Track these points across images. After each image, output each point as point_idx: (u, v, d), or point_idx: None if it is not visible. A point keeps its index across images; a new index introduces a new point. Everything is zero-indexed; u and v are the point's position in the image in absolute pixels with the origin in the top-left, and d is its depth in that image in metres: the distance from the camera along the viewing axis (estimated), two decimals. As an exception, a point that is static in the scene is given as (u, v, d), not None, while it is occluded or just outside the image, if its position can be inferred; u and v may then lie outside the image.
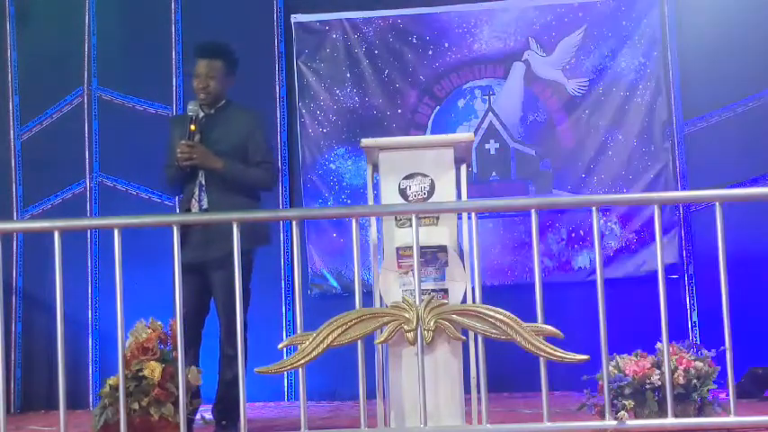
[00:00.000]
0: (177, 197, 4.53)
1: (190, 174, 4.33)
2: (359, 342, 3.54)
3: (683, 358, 3.63)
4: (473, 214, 3.63)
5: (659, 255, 3.63)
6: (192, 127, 4.29)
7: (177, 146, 4.30)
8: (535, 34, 6.56)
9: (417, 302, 3.52)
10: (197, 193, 4.34)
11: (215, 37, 6.29)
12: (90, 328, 6.39)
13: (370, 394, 3.66)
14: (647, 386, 3.58)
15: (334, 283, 6.49)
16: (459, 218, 3.88)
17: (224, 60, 4.43)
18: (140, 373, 3.73)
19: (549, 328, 3.49)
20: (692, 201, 5.92)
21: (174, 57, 6.64)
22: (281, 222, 6.13)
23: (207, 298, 4.36)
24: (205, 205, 4.32)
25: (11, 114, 6.71)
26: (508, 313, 3.50)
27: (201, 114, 4.38)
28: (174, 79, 6.63)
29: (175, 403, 3.66)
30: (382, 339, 3.53)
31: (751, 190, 5.28)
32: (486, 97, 6.58)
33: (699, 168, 6.30)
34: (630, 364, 3.65)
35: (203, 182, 4.33)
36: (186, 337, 3.69)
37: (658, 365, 3.60)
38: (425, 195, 3.72)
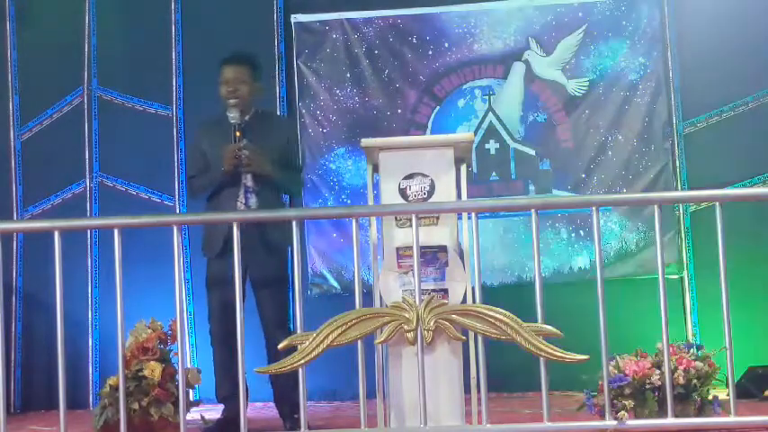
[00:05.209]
0: (206, 200, 4.48)
1: (231, 177, 4.34)
2: (359, 342, 3.54)
3: (683, 358, 3.62)
4: (473, 214, 3.63)
5: (659, 255, 3.63)
6: (238, 133, 4.32)
7: (222, 150, 4.28)
8: (535, 34, 6.56)
9: (417, 302, 3.52)
10: (241, 194, 4.34)
11: (214, 36, 6.37)
12: (90, 328, 6.39)
13: (370, 394, 3.66)
14: (647, 386, 3.58)
15: (335, 283, 6.48)
16: (459, 218, 3.88)
17: (250, 66, 4.50)
18: (140, 373, 3.74)
19: (549, 328, 3.49)
20: (692, 201, 5.91)
21: (173, 57, 6.63)
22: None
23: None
24: (254, 206, 4.33)
25: (11, 114, 6.70)
26: (508, 313, 3.50)
27: (241, 122, 4.39)
28: (174, 79, 6.62)
29: (175, 403, 3.66)
30: (382, 339, 3.53)
31: (751, 190, 5.29)
32: (486, 97, 6.58)
33: (699, 168, 6.30)
34: (630, 364, 3.64)
35: (249, 184, 4.34)
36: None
37: (658, 365, 3.59)
38: (425, 195, 3.71)
